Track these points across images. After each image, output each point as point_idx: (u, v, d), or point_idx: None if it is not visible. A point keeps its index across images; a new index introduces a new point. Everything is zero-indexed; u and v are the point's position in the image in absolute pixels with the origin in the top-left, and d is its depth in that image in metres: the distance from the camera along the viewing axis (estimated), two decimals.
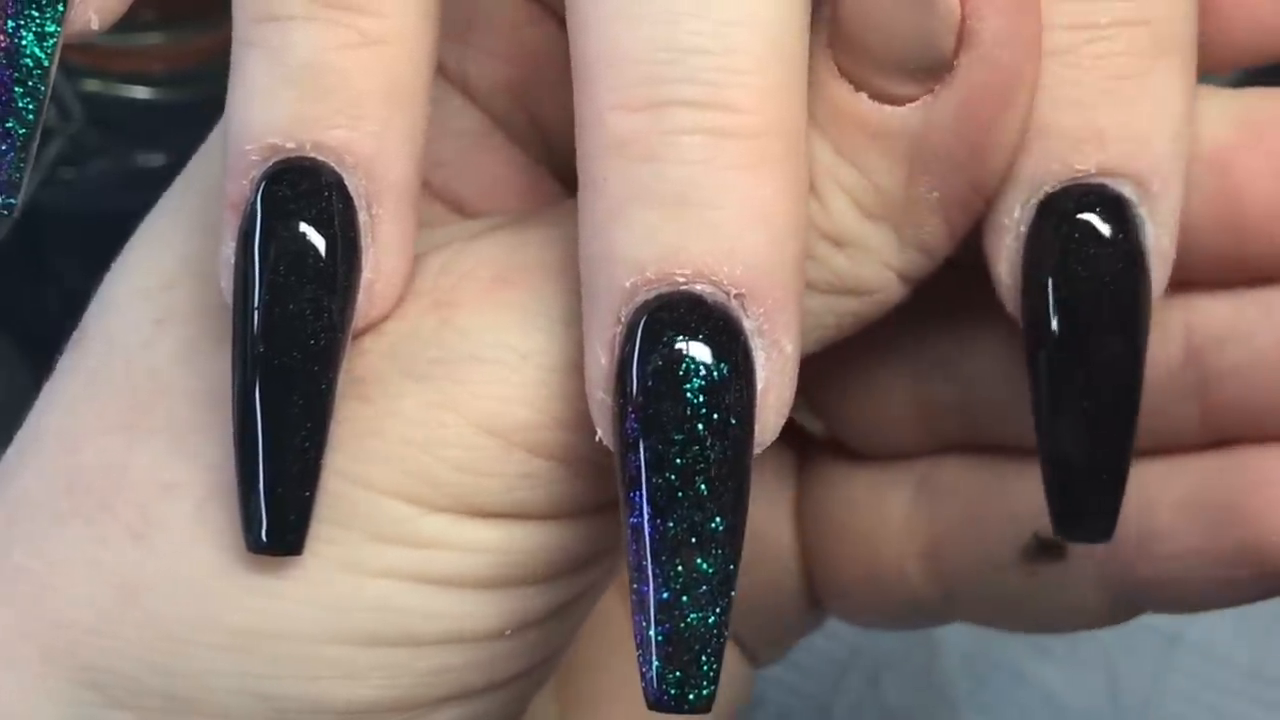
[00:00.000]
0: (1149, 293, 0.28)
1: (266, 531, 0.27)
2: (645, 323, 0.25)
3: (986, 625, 0.36)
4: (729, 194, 0.25)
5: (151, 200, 0.31)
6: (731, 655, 0.37)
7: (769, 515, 0.36)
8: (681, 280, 0.25)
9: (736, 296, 0.26)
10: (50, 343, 0.31)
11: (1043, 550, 0.34)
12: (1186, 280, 0.31)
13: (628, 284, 0.26)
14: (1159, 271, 0.28)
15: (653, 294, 0.25)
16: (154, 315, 0.30)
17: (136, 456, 0.29)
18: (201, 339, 0.29)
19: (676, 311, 0.25)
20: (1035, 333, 0.28)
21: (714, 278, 0.25)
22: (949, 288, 0.30)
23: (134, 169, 0.55)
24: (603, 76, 0.26)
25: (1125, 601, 0.34)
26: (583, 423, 0.27)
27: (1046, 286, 0.28)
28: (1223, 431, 0.32)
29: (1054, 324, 0.28)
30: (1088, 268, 0.28)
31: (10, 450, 0.31)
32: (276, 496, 0.27)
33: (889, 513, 0.35)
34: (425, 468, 0.28)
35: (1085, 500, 0.29)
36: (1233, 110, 0.30)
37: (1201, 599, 0.34)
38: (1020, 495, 0.34)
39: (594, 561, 0.30)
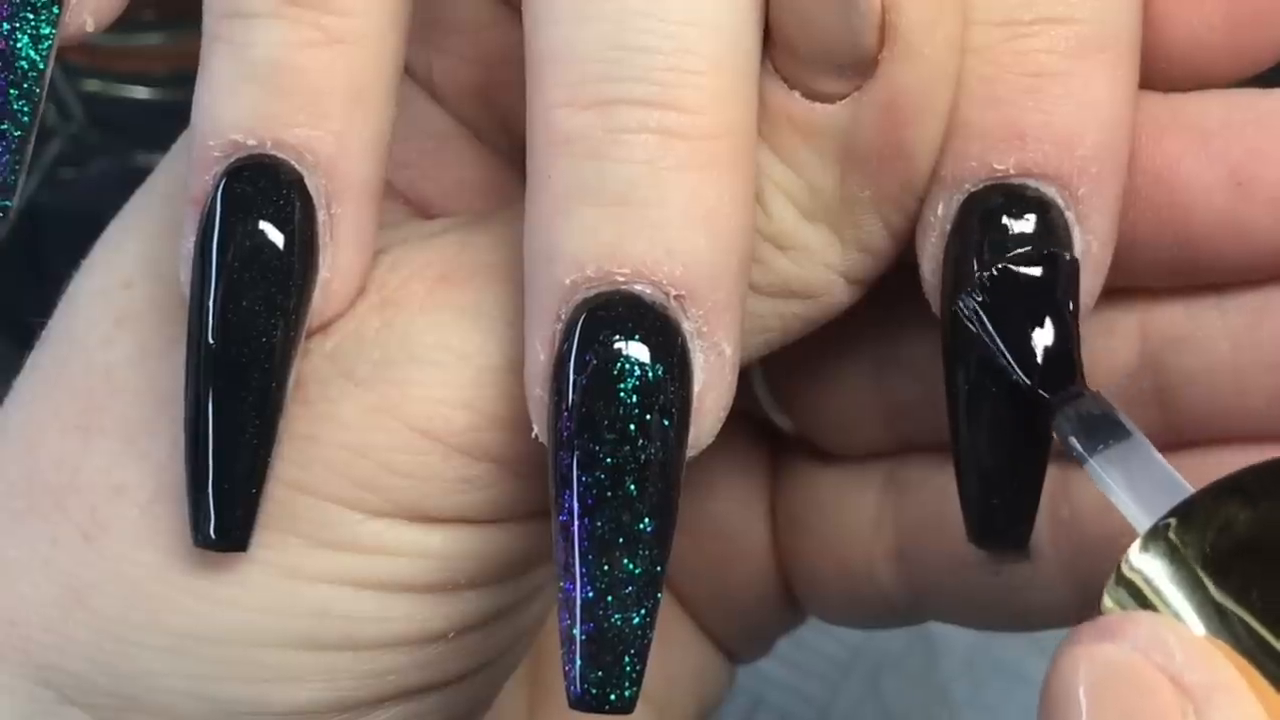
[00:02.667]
0: (1067, 299, 0.27)
1: (214, 528, 0.27)
2: (583, 321, 0.25)
3: (959, 624, 0.36)
4: (672, 194, 0.25)
5: None
6: (706, 653, 0.38)
7: (743, 513, 0.36)
8: (621, 279, 0.25)
9: (676, 298, 0.26)
10: None
11: None
12: (1138, 286, 0.30)
13: (568, 281, 0.26)
14: (1090, 278, 0.28)
15: (592, 292, 0.25)
16: (114, 315, 0.30)
17: (90, 457, 0.29)
18: (156, 340, 0.29)
19: (614, 310, 0.25)
20: (950, 335, 0.28)
21: (653, 278, 0.25)
22: (910, 288, 0.30)
23: (134, 169, 0.55)
24: (552, 74, 0.26)
25: (1094, 600, 0.34)
26: (523, 424, 0.27)
27: (962, 288, 0.27)
28: (1186, 435, 0.31)
29: (967, 327, 0.27)
30: (991, 278, 0.27)
31: None
32: (224, 492, 0.27)
33: (857, 511, 0.35)
34: (365, 473, 0.28)
35: (998, 513, 0.28)
36: (1179, 115, 0.29)
37: None
38: None
39: (539, 565, 0.30)
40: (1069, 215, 0.27)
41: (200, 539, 0.27)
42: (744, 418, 0.36)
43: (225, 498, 0.27)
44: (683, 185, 0.26)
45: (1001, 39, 0.27)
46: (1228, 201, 0.29)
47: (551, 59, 0.26)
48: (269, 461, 0.27)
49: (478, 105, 0.33)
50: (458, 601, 0.29)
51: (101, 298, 0.30)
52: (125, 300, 0.30)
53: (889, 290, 0.29)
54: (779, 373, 0.35)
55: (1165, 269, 0.30)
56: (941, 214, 0.28)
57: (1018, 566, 0.33)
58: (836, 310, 0.29)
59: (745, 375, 0.29)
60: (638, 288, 0.25)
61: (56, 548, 0.29)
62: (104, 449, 0.29)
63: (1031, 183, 0.27)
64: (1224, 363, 0.30)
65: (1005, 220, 0.27)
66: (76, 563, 0.29)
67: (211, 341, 0.27)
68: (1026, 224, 0.27)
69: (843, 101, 0.27)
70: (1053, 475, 0.30)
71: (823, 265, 0.28)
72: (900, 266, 0.29)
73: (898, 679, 0.51)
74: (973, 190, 0.28)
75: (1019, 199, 0.27)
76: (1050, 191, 0.27)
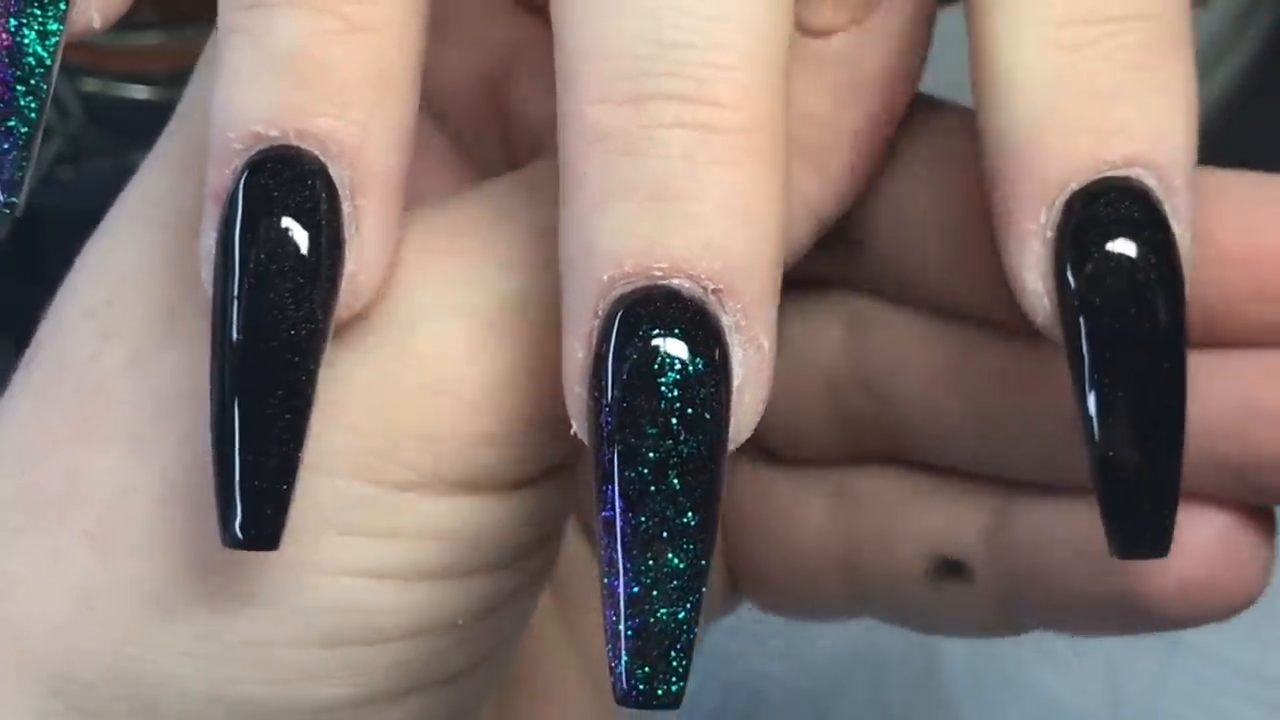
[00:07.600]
0: (1185, 282, 0.27)
1: (242, 526, 0.26)
2: (621, 317, 0.25)
3: (895, 625, 0.37)
4: (709, 189, 0.25)
5: None
6: None
7: None
8: (659, 274, 0.25)
9: (714, 292, 0.25)
10: None
11: (948, 570, 0.34)
12: (1232, 344, 0.31)
13: (605, 278, 0.25)
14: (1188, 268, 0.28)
15: (629, 288, 0.25)
16: (99, 330, 0.29)
17: (92, 465, 0.29)
18: (146, 345, 0.29)
19: (653, 305, 0.25)
20: (1081, 338, 0.27)
21: (691, 272, 0.25)
22: (872, 308, 0.30)
23: (134, 169, 0.54)
24: (585, 70, 0.26)
25: (1019, 622, 0.35)
26: (537, 374, 0.27)
27: (1088, 287, 0.27)
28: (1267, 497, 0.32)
29: (1102, 326, 0.27)
30: (1127, 265, 0.27)
31: None
32: (254, 490, 0.26)
33: (807, 517, 0.36)
34: (381, 441, 0.28)
35: (1142, 515, 0.27)
36: (1265, 191, 0.30)
37: (1086, 630, 0.35)
38: (932, 513, 0.35)
39: (545, 542, 0.30)
40: (1166, 208, 0.27)
41: (228, 539, 0.26)
42: None
43: (256, 496, 0.26)
44: (720, 180, 0.26)
45: (1100, 35, 0.27)
46: None
47: (583, 55, 0.26)
48: (299, 458, 0.26)
49: (479, 100, 0.33)
50: (470, 586, 0.29)
51: (86, 317, 0.30)
52: (109, 316, 0.29)
53: (844, 308, 0.30)
54: None
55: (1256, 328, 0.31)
56: (1044, 220, 0.27)
57: (957, 586, 0.35)
58: (795, 255, 0.30)
59: None
60: (675, 282, 0.25)
61: (61, 558, 0.28)
62: (107, 456, 0.29)
63: (1135, 175, 0.27)
64: None
65: (1121, 214, 0.27)
66: (83, 572, 0.28)
67: (238, 337, 0.26)
68: (1142, 217, 0.27)
69: (844, 34, 0.29)
70: (995, 508, 0.33)
71: (797, 198, 0.29)
72: (867, 283, 0.29)
73: (898, 680, 0.51)
74: (1076, 190, 0.27)
75: (1128, 193, 0.27)
76: (1151, 183, 0.27)
